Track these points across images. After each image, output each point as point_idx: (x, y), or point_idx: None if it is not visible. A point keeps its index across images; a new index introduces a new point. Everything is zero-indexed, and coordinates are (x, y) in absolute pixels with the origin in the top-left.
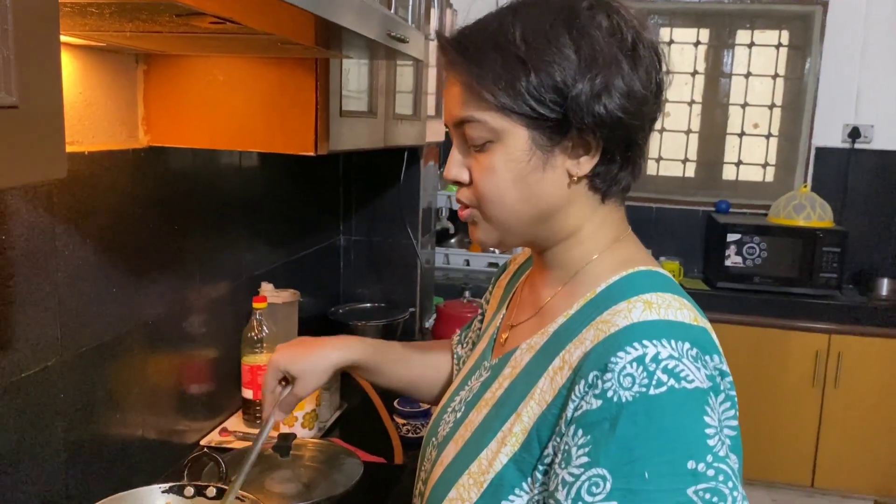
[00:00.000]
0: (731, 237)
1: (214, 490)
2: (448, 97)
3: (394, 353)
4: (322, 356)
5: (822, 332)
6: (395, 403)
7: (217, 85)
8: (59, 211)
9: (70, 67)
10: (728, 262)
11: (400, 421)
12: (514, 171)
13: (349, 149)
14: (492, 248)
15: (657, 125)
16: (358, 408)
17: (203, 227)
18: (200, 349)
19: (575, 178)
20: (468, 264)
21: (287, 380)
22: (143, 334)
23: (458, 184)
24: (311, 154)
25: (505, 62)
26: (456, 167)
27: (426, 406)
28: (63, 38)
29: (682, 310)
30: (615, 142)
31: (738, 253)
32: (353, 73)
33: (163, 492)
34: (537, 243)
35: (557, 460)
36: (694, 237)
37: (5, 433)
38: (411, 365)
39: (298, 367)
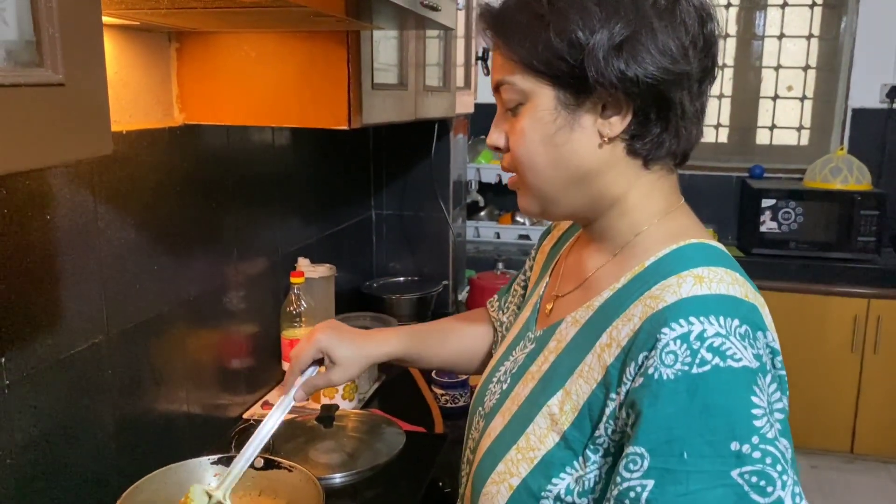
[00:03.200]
0: (766, 202)
1: (262, 461)
2: (492, 66)
3: (430, 337)
4: (364, 348)
5: (861, 296)
6: (434, 374)
7: (249, 61)
8: (101, 190)
9: (106, 47)
10: (763, 228)
11: (438, 391)
12: (542, 131)
13: (381, 122)
14: (535, 221)
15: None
16: (396, 379)
17: (239, 204)
18: (240, 324)
19: (606, 140)
20: (498, 237)
21: (321, 360)
22: (185, 311)
23: (498, 150)
24: (345, 128)
25: (529, 21)
26: (494, 133)
27: (464, 376)
28: None
29: (735, 285)
30: (647, 101)
31: (774, 218)
32: (383, 46)
33: (212, 463)
34: (581, 214)
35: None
36: (728, 203)
37: (58, 408)
38: (448, 344)
39: (341, 353)
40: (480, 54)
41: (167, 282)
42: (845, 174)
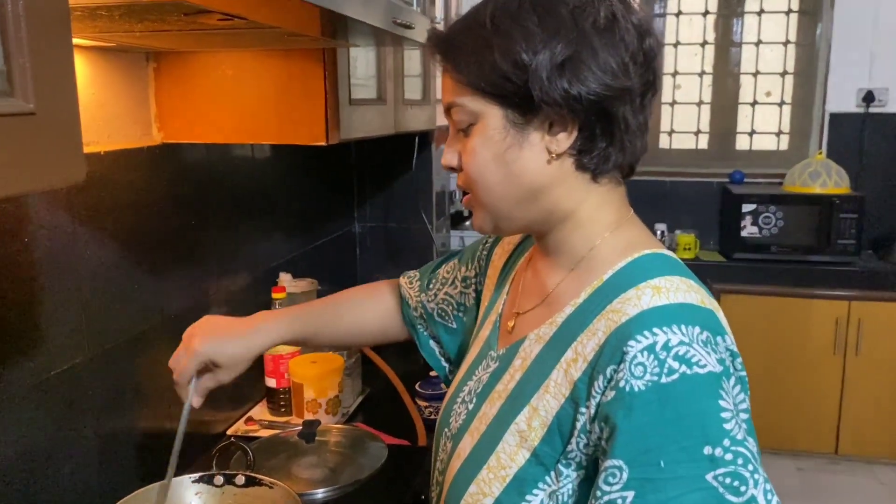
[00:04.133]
0: (747, 207)
1: (244, 478)
2: (442, 90)
3: (323, 314)
4: (248, 342)
5: (842, 298)
6: (417, 386)
7: (227, 80)
8: (79, 211)
9: (82, 69)
10: (744, 233)
11: (422, 403)
12: (492, 149)
13: (360, 136)
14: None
15: (667, 98)
16: (380, 392)
17: (220, 220)
18: None
19: (554, 156)
20: None
21: (208, 367)
22: (167, 328)
23: (452, 169)
24: (323, 144)
25: (475, 45)
26: (448, 153)
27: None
28: (74, 41)
29: (690, 292)
30: (592, 117)
31: (755, 223)
32: (361, 61)
33: (193, 482)
34: (534, 228)
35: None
36: (709, 209)
37: (38, 430)
38: (343, 320)
39: (225, 355)
40: None
41: (148, 300)
42: (824, 178)
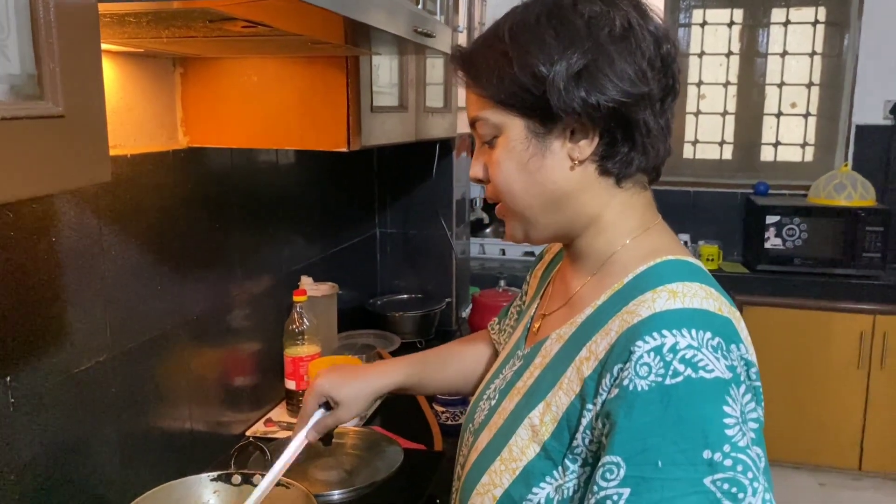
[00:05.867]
0: (771, 219)
1: (261, 478)
2: (466, 105)
3: (431, 364)
4: (366, 384)
5: (867, 312)
6: None
7: (251, 85)
8: (105, 212)
9: (110, 73)
10: (768, 245)
11: (439, 409)
12: (516, 159)
13: (381, 143)
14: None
15: (692, 108)
16: (398, 396)
17: (243, 224)
18: (244, 342)
19: (577, 162)
20: (504, 254)
21: (328, 403)
22: (189, 330)
23: (480, 181)
24: (344, 150)
25: (494, 59)
26: (475, 166)
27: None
28: (103, 46)
29: (708, 299)
30: (612, 124)
31: (778, 235)
32: (384, 68)
33: (211, 480)
34: (562, 235)
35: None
36: (733, 220)
37: (62, 426)
38: (449, 368)
39: (343, 393)
40: None
41: (171, 301)
42: (849, 190)
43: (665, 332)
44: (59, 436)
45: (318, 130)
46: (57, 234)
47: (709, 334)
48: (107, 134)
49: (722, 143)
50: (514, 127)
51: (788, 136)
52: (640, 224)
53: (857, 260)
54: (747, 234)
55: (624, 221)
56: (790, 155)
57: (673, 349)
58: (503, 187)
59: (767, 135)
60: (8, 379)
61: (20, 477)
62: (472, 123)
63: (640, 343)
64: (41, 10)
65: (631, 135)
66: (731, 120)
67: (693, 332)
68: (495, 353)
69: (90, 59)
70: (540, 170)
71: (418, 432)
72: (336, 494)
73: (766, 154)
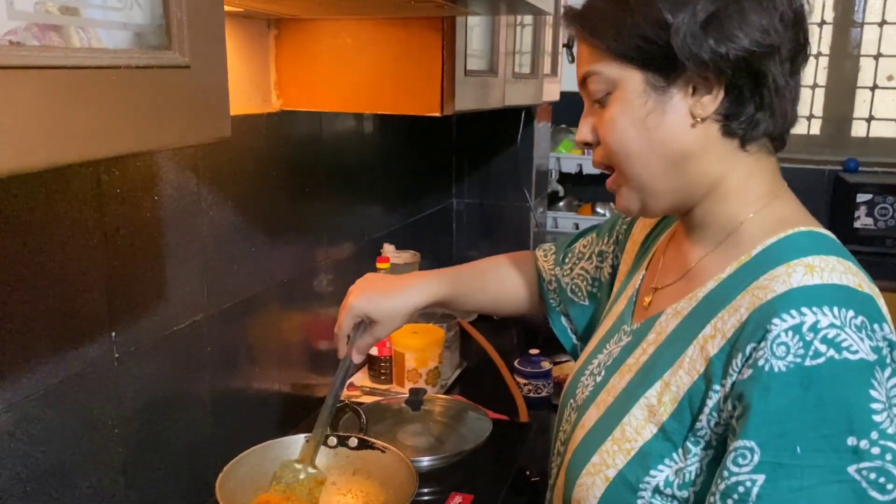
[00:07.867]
0: (862, 197)
1: (356, 441)
2: (577, 62)
3: (471, 280)
4: (403, 300)
5: None
6: (516, 363)
7: (345, 48)
8: (204, 173)
9: None
10: (858, 224)
11: (521, 380)
12: (632, 116)
13: (471, 109)
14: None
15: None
16: (477, 367)
17: (329, 189)
18: (328, 308)
19: (699, 119)
20: (577, 227)
21: (364, 322)
22: (278, 292)
23: (587, 145)
24: (437, 115)
25: (612, 9)
26: (583, 128)
27: (547, 367)
28: None
29: (848, 274)
30: (739, 77)
31: (870, 214)
32: (476, 33)
33: (307, 441)
34: (680, 205)
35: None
36: (820, 198)
37: (160, 382)
38: (488, 289)
39: (380, 311)
40: (566, 42)
41: (263, 264)
42: None
43: (804, 309)
44: (157, 392)
45: (411, 94)
46: (159, 194)
47: (851, 312)
48: (228, 88)
49: (810, 118)
50: (632, 81)
51: (883, 111)
52: (768, 191)
53: None
54: (835, 212)
55: (749, 188)
56: (884, 130)
57: (814, 328)
58: (617, 148)
59: (860, 109)
60: (113, 334)
61: (123, 430)
62: (583, 80)
63: (776, 321)
64: None
65: (759, 91)
66: (820, 93)
67: (835, 309)
68: (537, 279)
69: (214, 9)
70: (658, 127)
71: (500, 403)
72: (426, 461)
73: (858, 129)
